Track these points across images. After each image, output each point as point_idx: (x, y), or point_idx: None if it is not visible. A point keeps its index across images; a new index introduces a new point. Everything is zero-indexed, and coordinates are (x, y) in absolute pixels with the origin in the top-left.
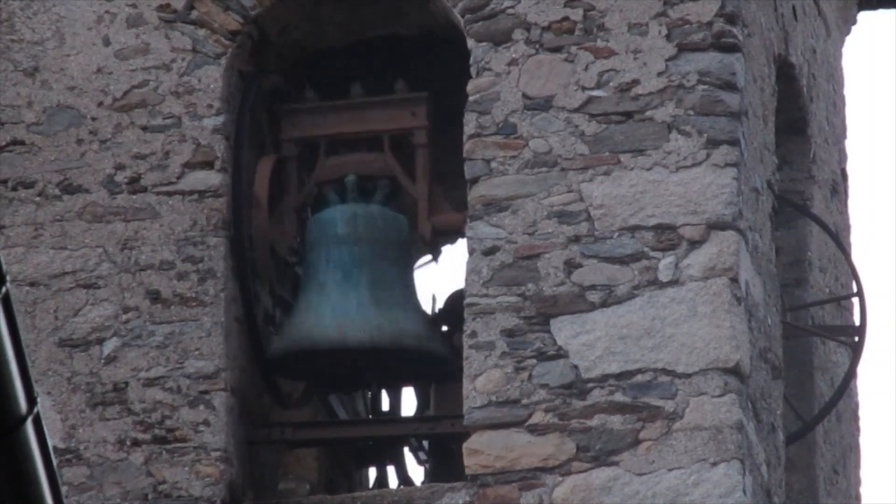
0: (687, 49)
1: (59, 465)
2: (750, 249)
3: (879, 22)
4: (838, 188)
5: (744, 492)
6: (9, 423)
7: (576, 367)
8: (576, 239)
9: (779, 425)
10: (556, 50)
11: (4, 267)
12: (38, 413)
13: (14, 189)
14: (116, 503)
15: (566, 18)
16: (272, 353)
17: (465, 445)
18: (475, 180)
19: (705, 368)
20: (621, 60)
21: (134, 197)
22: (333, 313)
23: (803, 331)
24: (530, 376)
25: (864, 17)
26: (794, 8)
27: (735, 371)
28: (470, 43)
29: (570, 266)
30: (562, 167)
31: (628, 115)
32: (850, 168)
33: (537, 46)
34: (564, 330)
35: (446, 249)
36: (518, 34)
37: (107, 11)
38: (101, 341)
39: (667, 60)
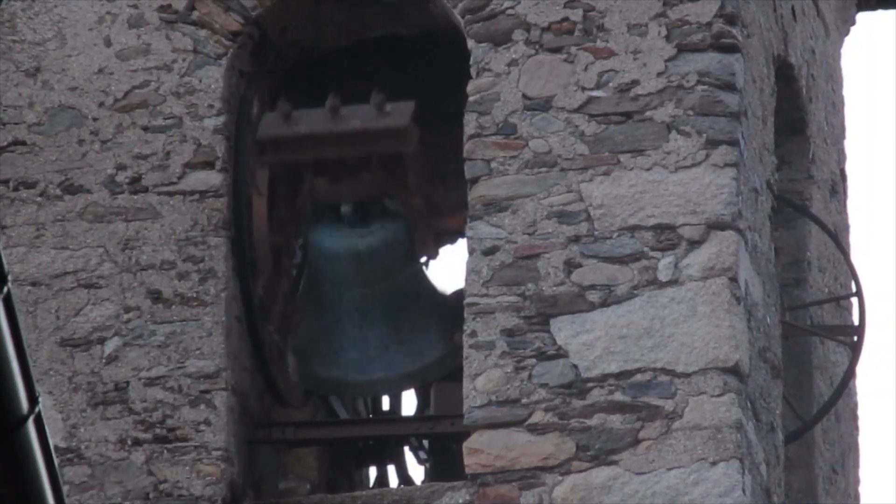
0: (686, 49)
1: (61, 464)
2: (749, 249)
3: (878, 22)
4: (837, 188)
5: (743, 491)
6: (10, 422)
7: (575, 366)
8: (576, 239)
9: (778, 425)
10: (556, 50)
11: (6, 267)
12: (39, 412)
13: (15, 189)
14: (117, 502)
15: (566, 19)
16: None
17: (465, 445)
18: (475, 180)
19: (705, 368)
20: (621, 61)
21: (135, 197)
22: (356, 356)
23: (802, 330)
24: (530, 376)
25: (863, 17)
26: (793, 8)
27: (734, 370)
28: (470, 43)
29: (570, 266)
30: (562, 167)
31: (628, 115)
32: (850, 168)
33: (537, 47)
34: (564, 330)
35: (446, 249)
36: (518, 35)
37: (108, 12)
38: (102, 341)
39: (666, 61)
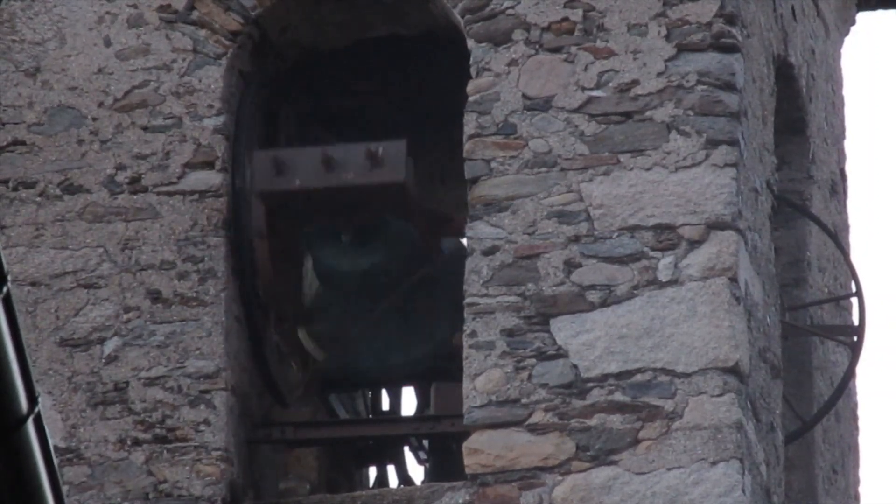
0: (686, 49)
1: (60, 464)
2: (749, 249)
3: (878, 22)
4: (837, 188)
5: (743, 491)
6: (10, 422)
7: (575, 366)
8: (575, 239)
9: (778, 425)
10: (556, 50)
11: (5, 267)
12: (38, 412)
13: (15, 189)
14: (117, 502)
15: (566, 19)
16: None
17: (465, 445)
18: (475, 180)
19: (704, 368)
20: (621, 61)
21: (135, 197)
22: (374, 354)
23: (802, 330)
24: (530, 376)
25: (862, 17)
26: (793, 8)
27: (734, 371)
28: (470, 43)
29: (570, 266)
30: (561, 167)
31: (628, 115)
32: (849, 168)
33: (537, 47)
34: (564, 330)
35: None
36: (518, 34)
37: (108, 12)
38: (101, 341)
39: (666, 61)
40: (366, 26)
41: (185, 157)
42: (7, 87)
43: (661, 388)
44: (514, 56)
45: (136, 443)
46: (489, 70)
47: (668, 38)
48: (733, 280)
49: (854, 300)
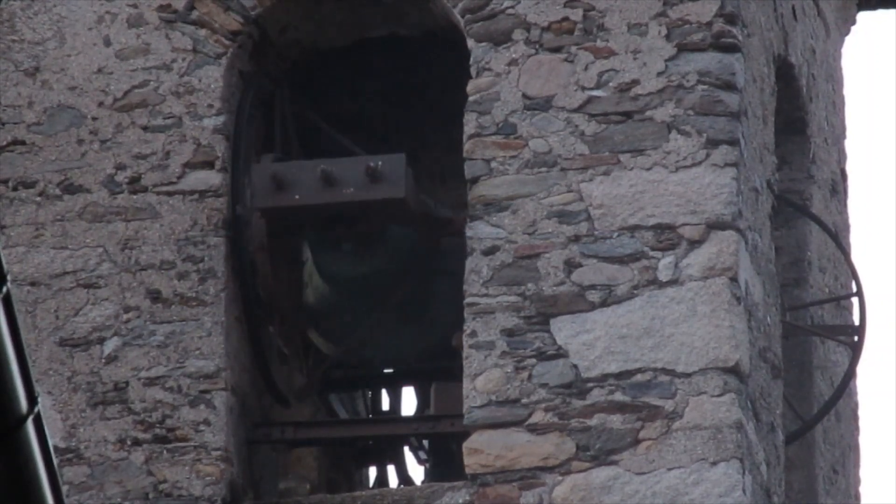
0: (686, 49)
1: (60, 464)
2: (749, 249)
3: (879, 22)
4: (838, 188)
5: (743, 491)
6: (9, 422)
7: (575, 366)
8: (576, 239)
9: (778, 425)
10: (556, 50)
11: (5, 266)
12: (38, 412)
13: (15, 189)
14: (117, 502)
15: (566, 19)
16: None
17: (465, 445)
18: (475, 180)
19: (705, 368)
20: (621, 60)
21: (134, 197)
22: (375, 354)
23: (803, 330)
24: (530, 376)
25: (863, 17)
26: (793, 8)
27: (734, 370)
28: (470, 43)
29: (570, 266)
30: (562, 167)
31: (628, 115)
32: (850, 168)
33: (537, 47)
34: (564, 330)
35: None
36: (518, 34)
37: (107, 12)
38: (101, 341)
39: (666, 60)
40: (366, 26)
41: (185, 156)
42: (7, 86)
43: (661, 388)
44: (514, 56)
45: (136, 443)
46: (489, 70)
47: (668, 37)
48: (733, 280)
49: (854, 300)
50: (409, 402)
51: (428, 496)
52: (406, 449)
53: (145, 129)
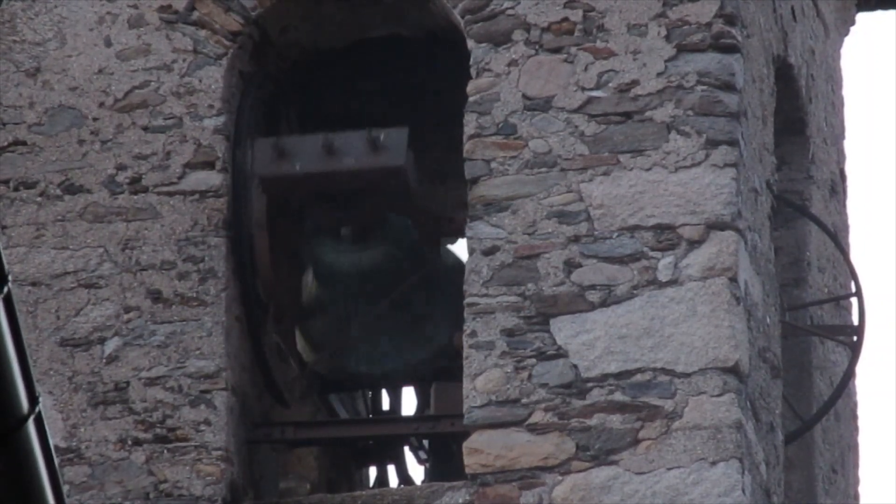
0: (686, 50)
1: (61, 464)
2: (749, 249)
3: (878, 23)
4: (837, 188)
5: (743, 491)
6: (10, 422)
7: (575, 366)
8: (575, 239)
9: (778, 424)
10: (556, 51)
11: (6, 267)
12: (39, 412)
13: (16, 189)
14: (118, 502)
15: (566, 19)
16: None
17: (465, 445)
18: (475, 180)
19: (704, 368)
20: (621, 61)
21: (135, 197)
22: (369, 355)
23: (802, 330)
24: (530, 376)
25: (862, 17)
26: (792, 9)
27: (734, 370)
28: (470, 43)
29: (570, 266)
30: (561, 167)
31: (628, 115)
32: (849, 168)
33: (537, 47)
34: (564, 330)
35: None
36: (518, 35)
37: (108, 12)
38: (102, 341)
39: (666, 61)
40: (366, 26)
41: (186, 157)
42: (8, 87)
43: (660, 388)
44: (514, 56)
45: (137, 443)
46: (489, 70)
47: (667, 38)
48: (733, 280)
49: (854, 300)
50: (409, 402)
51: (428, 496)
52: (406, 449)
53: (146, 129)
